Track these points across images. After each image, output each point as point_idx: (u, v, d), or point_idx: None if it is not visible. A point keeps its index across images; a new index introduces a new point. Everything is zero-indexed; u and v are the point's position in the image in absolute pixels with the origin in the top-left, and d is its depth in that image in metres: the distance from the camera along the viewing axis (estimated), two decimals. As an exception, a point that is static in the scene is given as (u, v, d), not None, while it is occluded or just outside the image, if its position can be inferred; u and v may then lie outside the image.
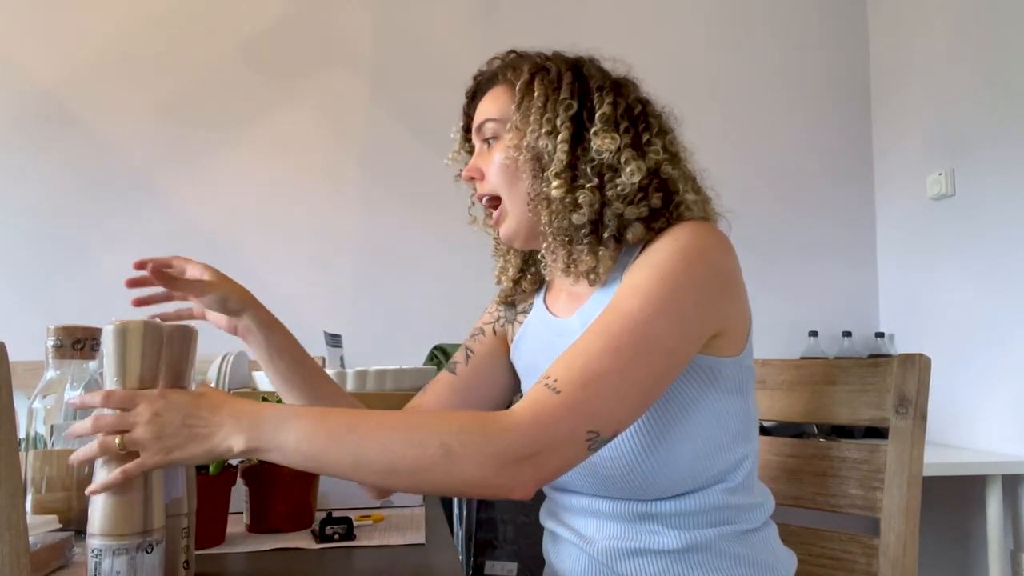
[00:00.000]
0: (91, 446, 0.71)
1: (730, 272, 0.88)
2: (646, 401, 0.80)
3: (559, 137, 0.91)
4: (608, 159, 0.90)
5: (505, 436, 0.73)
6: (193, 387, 0.79)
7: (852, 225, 2.63)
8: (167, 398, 0.73)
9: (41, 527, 0.79)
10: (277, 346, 0.99)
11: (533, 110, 0.93)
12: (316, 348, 1.90)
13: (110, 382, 0.72)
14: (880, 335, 2.50)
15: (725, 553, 0.89)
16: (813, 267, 2.60)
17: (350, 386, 1.26)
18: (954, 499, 2.23)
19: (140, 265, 0.91)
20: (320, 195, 2.52)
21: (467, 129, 1.05)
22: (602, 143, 0.89)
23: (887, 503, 1.00)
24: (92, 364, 0.97)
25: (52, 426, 0.93)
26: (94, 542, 0.67)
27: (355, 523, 0.97)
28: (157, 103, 2.49)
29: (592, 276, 0.92)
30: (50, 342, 0.96)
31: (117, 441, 0.70)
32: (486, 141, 0.99)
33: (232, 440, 0.73)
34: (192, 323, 0.81)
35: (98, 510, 0.68)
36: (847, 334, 2.46)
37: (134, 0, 2.52)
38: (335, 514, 0.97)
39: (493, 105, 0.98)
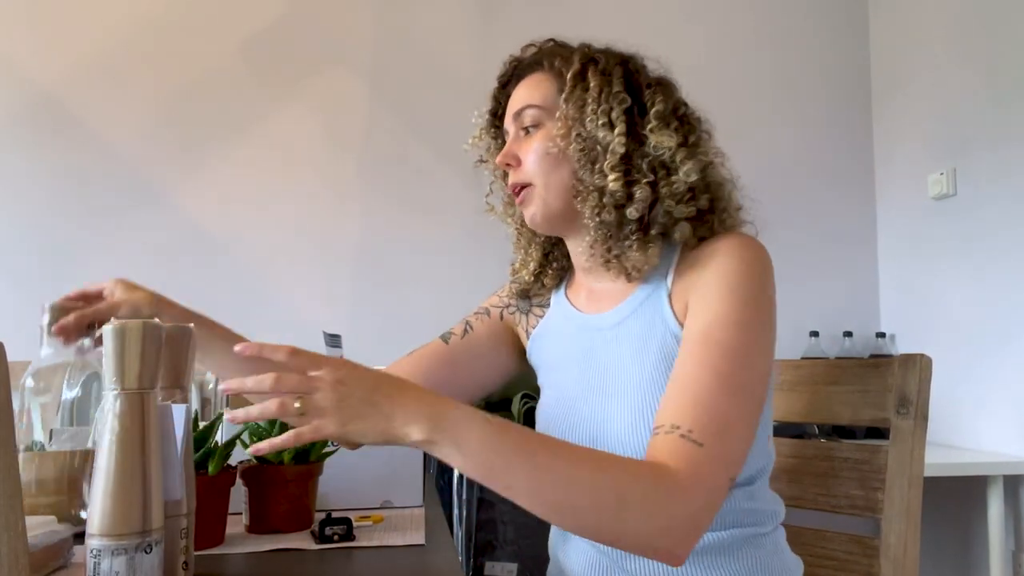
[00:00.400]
0: (268, 405, 0.67)
1: (775, 287, 0.90)
2: (755, 433, 0.81)
3: (616, 130, 0.89)
4: (665, 156, 0.89)
5: (680, 498, 0.72)
6: (192, 388, 0.78)
7: (852, 225, 2.63)
8: (350, 367, 0.70)
9: (40, 528, 0.79)
10: (203, 338, 0.97)
11: (589, 100, 0.91)
12: (316, 348, 1.91)
13: (109, 382, 0.72)
14: (881, 335, 2.50)
15: (736, 555, 0.89)
16: (813, 267, 2.60)
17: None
18: (955, 499, 2.23)
19: (60, 329, 0.93)
20: (320, 195, 2.52)
21: (494, 114, 1.03)
22: (660, 140, 0.89)
23: (888, 504, 0.99)
24: (86, 341, 0.95)
25: (52, 431, 0.93)
26: (93, 542, 0.67)
27: (355, 524, 0.97)
28: (157, 103, 2.49)
29: (635, 272, 0.91)
30: (45, 319, 0.95)
31: (296, 404, 0.67)
32: (524, 128, 0.96)
33: (411, 427, 0.69)
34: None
35: (97, 510, 0.67)
36: (848, 334, 2.45)
37: (134, 0, 2.52)
38: (335, 515, 0.97)
39: (536, 92, 0.95)
